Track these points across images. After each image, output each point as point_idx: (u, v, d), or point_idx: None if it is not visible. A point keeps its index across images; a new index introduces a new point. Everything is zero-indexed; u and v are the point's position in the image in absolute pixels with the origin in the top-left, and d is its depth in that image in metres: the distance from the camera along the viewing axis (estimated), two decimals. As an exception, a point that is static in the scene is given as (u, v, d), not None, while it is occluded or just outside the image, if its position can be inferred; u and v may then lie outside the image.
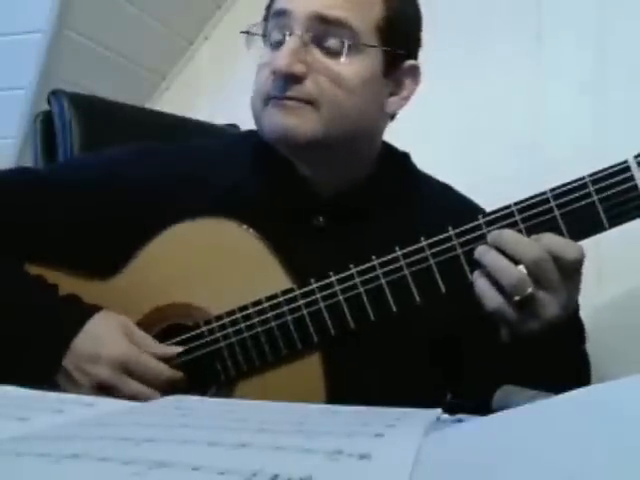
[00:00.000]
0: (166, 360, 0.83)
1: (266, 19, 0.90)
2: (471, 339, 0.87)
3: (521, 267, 0.76)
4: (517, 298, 0.75)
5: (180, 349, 0.84)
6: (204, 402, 0.57)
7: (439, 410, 0.47)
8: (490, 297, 0.76)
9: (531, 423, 0.38)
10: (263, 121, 0.88)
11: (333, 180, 0.91)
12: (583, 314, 0.90)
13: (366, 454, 0.34)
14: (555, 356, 0.79)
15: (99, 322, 0.82)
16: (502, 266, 0.75)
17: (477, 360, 0.88)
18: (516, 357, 0.78)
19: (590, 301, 0.87)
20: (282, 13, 0.86)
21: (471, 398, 0.91)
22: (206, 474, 0.31)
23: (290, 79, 0.84)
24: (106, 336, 0.81)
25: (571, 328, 0.80)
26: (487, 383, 0.74)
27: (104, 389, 0.79)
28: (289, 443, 0.38)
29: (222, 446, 0.37)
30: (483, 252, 0.77)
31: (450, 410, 0.48)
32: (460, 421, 0.46)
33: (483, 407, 0.67)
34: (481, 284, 0.77)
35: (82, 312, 0.83)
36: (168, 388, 0.81)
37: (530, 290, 0.74)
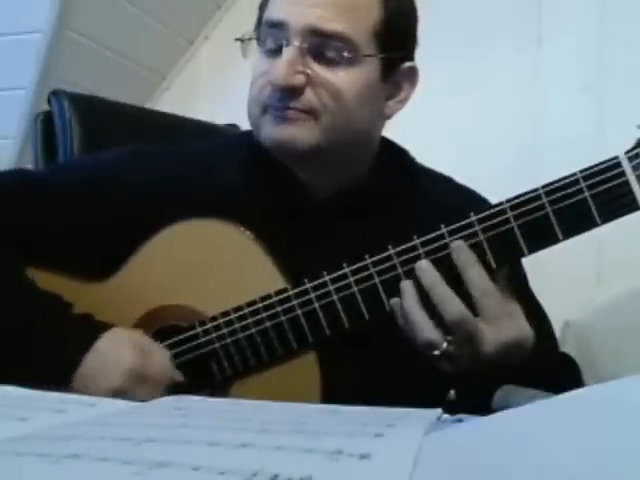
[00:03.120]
0: None
1: (260, 21, 0.89)
2: None
3: None
4: (435, 353, 0.75)
5: (181, 379, 0.83)
6: (204, 402, 0.57)
7: (439, 410, 0.47)
8: (410, 341, 0.77)
9: (531, 423, 0.38)
10: (261, 130, 0.87)
11: (330, 181, 0.91)
12: (583, 314, 0.89)
13: (366, 454, 0.34)
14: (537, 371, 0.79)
15: (109, 340, 0.81)
16: (417, 320, 0.76)
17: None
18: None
19: (590, 301, 0.88)
20: (277, 25, 0.84)
21: (471, 398, 0.91)
22: (206, 474, 0.31)
23: (289, 91, 0.83)
24: (112, 358, 0.80)
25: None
26: (486, 383, 0.74)
27: None
28: (289, 443, 0.38)
29: (222, 446, 0.37)
30: (406, 289, 0.78)
31: (450, 410, 0.48)
32: (460, 421, 0.46)
33: (483, 407, 0.67)
34: (401, 324, 0.78)
35: (91, 332, 0.82)
36: None
37: (445, 346, 0.75)
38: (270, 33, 0.86)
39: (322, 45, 0.83)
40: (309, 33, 0.83)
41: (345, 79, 0.84)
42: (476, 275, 0.76)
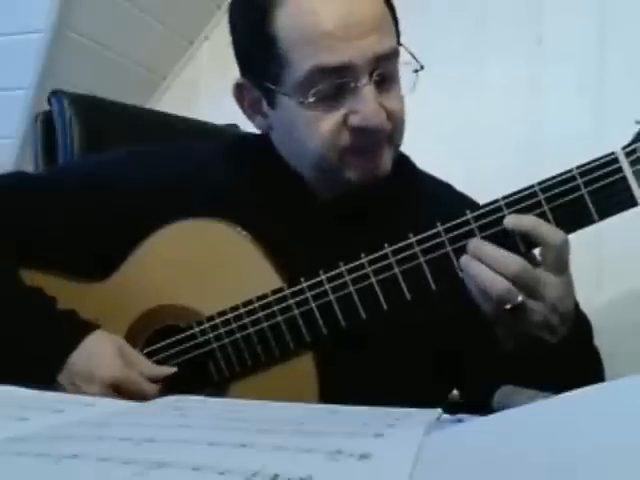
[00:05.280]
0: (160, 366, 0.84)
1: (262, 58, 0.83)
2: (471, 344, 0.87)
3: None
4: (508, 306, 0.75)
5: (173, 370, 0.84)
6: (204, 402, 0.57)
7: (439, 410, 0.47)
8: (482, 304, 0.76)
9: (531, 423, 0.38)
10: (343, 171, 0.85)
11: (335, 185, 0.90)
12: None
13: (366, 454, 0.34)
14: (564, 360, 0.79)
15: (96, 340, 0.82)
16: (487, 278, 0.75)
17: (479, 368, 0.87)
18: (522, 366, 0.77)
19: (590, 301, 0.88)
20: (339, 68, 0.79)
21: (472, 399, 0.91)
22: (206, 474, 0.31)
23: (385, 132, 0.83)
24: (101, 355, 0.81)
25: (574, 329, 0.80)
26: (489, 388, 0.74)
27: None
28: (289, 443, 0.38)
29: (222, 446, 0.37)
30: (466, 263, 0.77)
31: (450, 410, 0.48)
32: (460, 421, 0.46)
33: (483, 407, 0.67)
34: (473, 292, 0.77)
35: (80, 329, 0.82)
36: None
37: (520, 298, 0.74)
38: (323, 78, 0.81)
39: (386, 69, 0.82)
40: (375, 62, 0.81)
41: (400, 94, 0.85)
42: (550, 227, 0.76)
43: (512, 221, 0.77)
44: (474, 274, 0.76)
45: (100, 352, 0.81)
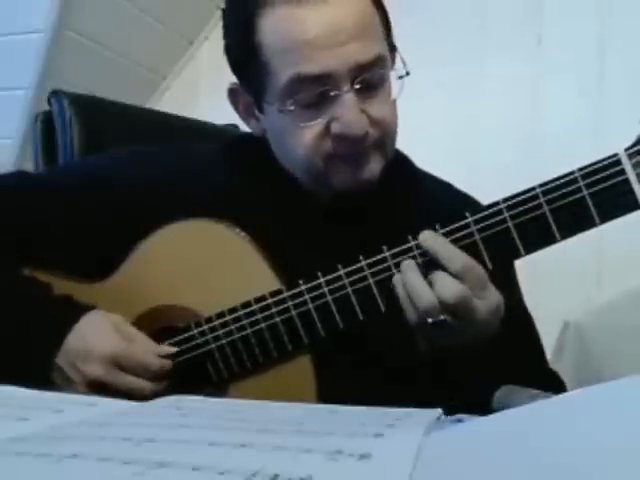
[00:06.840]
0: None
1: (259, 83, 0.84)
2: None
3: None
4: (430, 320, 0.75)
5: (174, 349, 0.84)
6: (204, 402, 0.57)
7: (439, 410, 0.47)
8: (408, 312, 0.77)
9: (531, 423, 0.38)
10: (330, 177, 0.86)
11: (326, 188, 0.90)
12: (583, 314, 0.89)
13: (366, 454, 0.34)
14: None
15: (91, 319, 0.82)
16: (416, 288, 0.75)
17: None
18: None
19: (590, 301, 0.88)
20: (319, 77, 0.79)
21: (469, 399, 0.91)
22: (206, 474, 0.32)
23: (365, 138, 0.82)
24: (97, 333, 0.81)
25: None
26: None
27: (98, 386, 0.79)
28: (289, 443, 0.38)
29: (222, 446, 0.37)
30: (406, 268, 0.78)
31: (450, 410, 0.48)
32: (460, 421, 0.46)
33: (483, 407, 0.67)
34: (401, 296, 0.78)
35: (75, 310, 0.83)
36: (162, 379, 0.81)
37: (442, 317, 0.75)
38: (303, 87, 0.80)
39: (369, 76, 0.81)
40: (358, 70, 0.80)
41: (388, 97, 0.85)
42: (454, 252, 0.76)
43: (421, 237, 0.78)
44: (407, 281, 0.77)
45: (95, 330, 0.81)
